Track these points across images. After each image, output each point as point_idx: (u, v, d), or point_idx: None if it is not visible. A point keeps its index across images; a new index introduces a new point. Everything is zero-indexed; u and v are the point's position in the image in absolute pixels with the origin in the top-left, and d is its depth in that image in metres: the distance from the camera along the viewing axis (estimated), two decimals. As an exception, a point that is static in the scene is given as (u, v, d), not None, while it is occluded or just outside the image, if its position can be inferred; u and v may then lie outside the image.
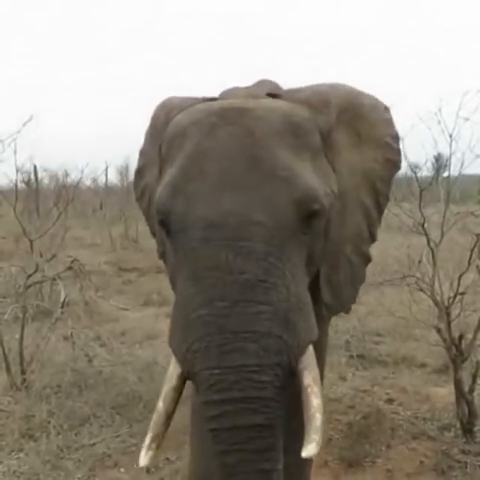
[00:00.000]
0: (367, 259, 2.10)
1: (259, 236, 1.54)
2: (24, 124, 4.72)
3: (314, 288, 1.80)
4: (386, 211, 2.22)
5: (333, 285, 1.94)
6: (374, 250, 2.14)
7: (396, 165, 2.17)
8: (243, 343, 1.45)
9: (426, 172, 4.49)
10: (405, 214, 3.87)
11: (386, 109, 2.18)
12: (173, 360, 1.59)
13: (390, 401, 4.10)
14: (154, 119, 2.16)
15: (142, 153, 2.30)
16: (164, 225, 1.69)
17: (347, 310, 2.11)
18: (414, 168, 3.85)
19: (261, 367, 1.45)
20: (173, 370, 1.59)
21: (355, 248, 2.01)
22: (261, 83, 2.14)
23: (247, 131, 1.66)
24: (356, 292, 2.10)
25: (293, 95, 1.93)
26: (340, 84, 2.12)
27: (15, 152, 4.84)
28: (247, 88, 2.11)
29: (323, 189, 1.72)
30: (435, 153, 4.20)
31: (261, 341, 1.46)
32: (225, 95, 2.05)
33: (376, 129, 2.09)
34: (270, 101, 1.87)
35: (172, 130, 1.83)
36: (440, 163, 6.51)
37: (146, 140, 2.26)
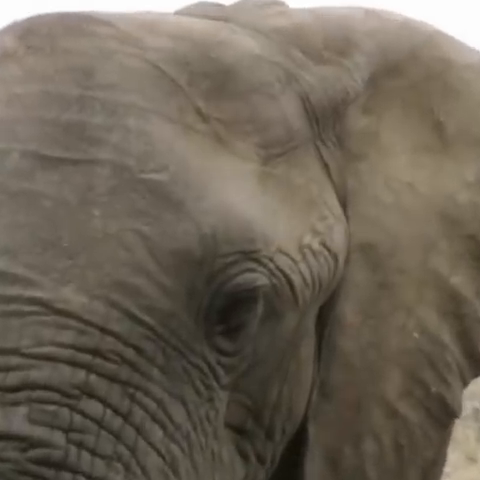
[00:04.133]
0: (446, 410, 1.03)
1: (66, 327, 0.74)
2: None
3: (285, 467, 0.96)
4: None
5: (343, 467, 0.97)
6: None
7: None
8: None
9: None
10: None
11: None
12: None
13: None
14: None
15: None
16: None
17: None
18: None
19: None
20: None
21: (417, 383, 1.01)
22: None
23: (76, 67, 0.79)
24: None
25: (260, 20, 0.96)
26: (397, 14, 1.11)
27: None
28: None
29: (289, 237, 0.85)
30: None
31: None
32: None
33: None
34: (180, 19, 0.95)
35: None
36: None
37: None
